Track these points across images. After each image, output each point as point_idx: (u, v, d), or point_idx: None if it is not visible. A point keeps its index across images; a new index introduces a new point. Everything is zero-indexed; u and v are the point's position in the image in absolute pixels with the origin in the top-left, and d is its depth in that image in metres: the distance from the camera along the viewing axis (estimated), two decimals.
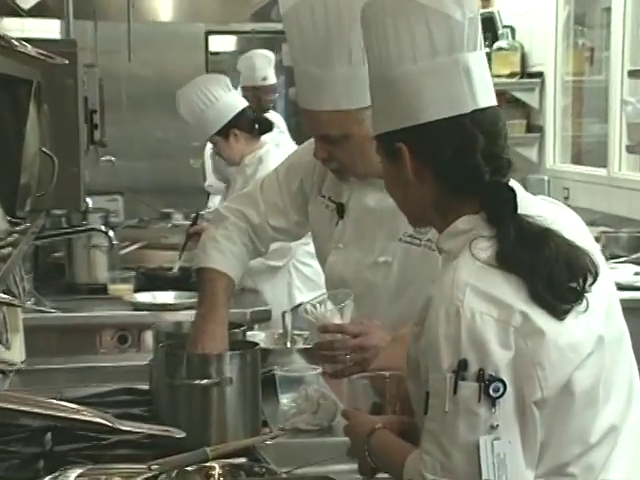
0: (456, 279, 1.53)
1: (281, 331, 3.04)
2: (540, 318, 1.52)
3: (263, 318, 3.84)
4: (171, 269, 4.28)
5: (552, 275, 1.53)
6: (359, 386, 1.93)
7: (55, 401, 1.64)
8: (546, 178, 6.12)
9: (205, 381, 2.17)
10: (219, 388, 2.18)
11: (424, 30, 1.59)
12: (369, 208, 2.35)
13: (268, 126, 4.40)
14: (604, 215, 5.21)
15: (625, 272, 4.25)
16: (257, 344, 2.34)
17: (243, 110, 4.31)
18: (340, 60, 2.15)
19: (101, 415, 1.59)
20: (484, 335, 1.49)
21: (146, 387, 2.61)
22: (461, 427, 1.50)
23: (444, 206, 1.63)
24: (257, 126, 4.33)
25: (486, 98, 1.62)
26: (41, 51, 1.69)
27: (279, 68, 8.87)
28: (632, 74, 4.97)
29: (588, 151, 6.38)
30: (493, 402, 1.49)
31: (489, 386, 1.48)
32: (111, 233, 3.43)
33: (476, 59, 1.62)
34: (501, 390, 1.49)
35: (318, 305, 2.22)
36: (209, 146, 6.03)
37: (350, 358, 2.17)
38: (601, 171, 5.56)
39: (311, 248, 4.35)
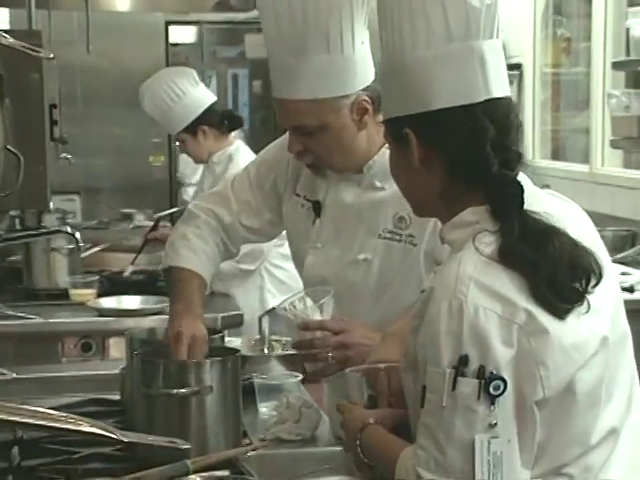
0: (460, 273, 1.55)
1: (257, 337, 3.03)
2: (544, 317, 1.54)
3: (235, 323, 3.83)
4: (142, 272, 4.27)
5: (555, 274, 1.55)
6: (353, 380, 1.95)
7: (50, 410, 1.63)
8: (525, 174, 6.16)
9: (184, 390, 2.16)
10: (199, 397, 2.17)
11: (440, 15, 1.61)
12: (347, 204, 2.36)
13: (238, 122, 4.39)
14: (587, 213, 5.24)
15: None
16: (237, 350, 2.33)
17: (212, 105, 4.29)
18: (317, 48, 2.16)
19: (101, 426, 1.57)
20: (487, 331, 1.51)
21: (117, 397, 2.60)
22: (458, 424, 1.53)
23: (449, 196, 1.66)
24: (226, 122, 4.31)
25: (500, 88, 1.63)
26: (24, 44, 1.68)
27: (242, 61, 8.88)
28: (616, 66, 5.01)
29: (568, 146, 6.44)
30: (492, 400, 1.51)
31: (489, 384, 1.51)
32: (78, 235, 3.41)
33: (492, 47, 1.64)
34: (501, 388, 1.51)
35: (297, 302, 2.22)
36: None
37: (332, 356, 2.17)
38: (583, 167, 5.61)
39: (285, 250, 4.37)
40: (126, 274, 4.27)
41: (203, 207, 2.55)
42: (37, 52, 1.77)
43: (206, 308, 2.40)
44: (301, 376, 2.63)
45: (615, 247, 4.67)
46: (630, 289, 3.96)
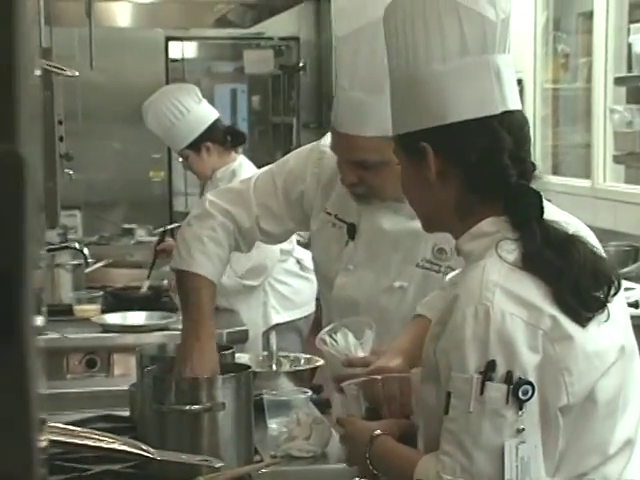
0: (485, 279, 1.56)
1: (265, 353, 3.03)
2: (568, 323, 1.56)
3: (240, 339, 3.82)
4: (140, 288, 4.26)
5: (579, 281, 1.57)
6: (351, 392, 1.95)
7: (72, 427, 1.63)
8: None
9: (196, 407, 2.16)
10: (211, 414, 2.17)
11: (456, 29, 1.63)
12: (383, 230, 2.35)
13: (241, 138, 4.39)
14: (589, 228, 5.25)
15: None
16: (249, 366, 2.33)
17: (215, 122, 4.29)
18: None
19: (134, 444, 1.57)
20: (513, 337, 1.53)
21: (126, 414, 2.60)
22: (485, 428, 1.53)
23: (465, 209, 1.66)
24: (230, 138, 4.31)
25: (514, 101, 1.66)
26: (51, 63, 1.68)
27: (240, 76, 8.91)
28: (618, 81, 5.02)
29: (568, 161, 6.45)
30: (521, 405, 1.52)
31: (518, 389, 1.52)
32: (86, 251, 3.40)
33: (506, 61, 1.67)
34: (530, 393, 1.53)
35: (339, 335, 2.20)
36: None
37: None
38: (585, 182, 5.62)
39: (288, 266, 4.39)
40: (143, 289, 4.25)
41: (220, 207, 2.47)
42: (63, 71, 1.77)
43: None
44: (310, 392, 2.63)
45: (618, 262, 4.65)
46: (635, 304, 3.95)
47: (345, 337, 2.19)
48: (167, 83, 7.59)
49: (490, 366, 1.52)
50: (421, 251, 2.27)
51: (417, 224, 2.31)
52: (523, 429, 1.53)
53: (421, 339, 1.94)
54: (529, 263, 1.58)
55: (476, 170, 1.64)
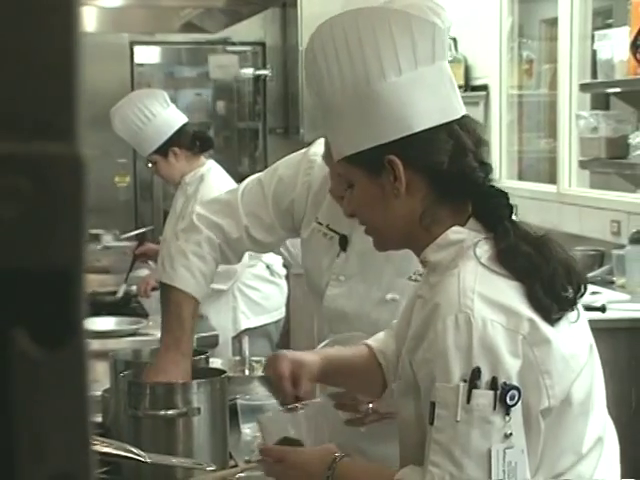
0: (462, 287, 1.57)
1: (237, 358, 3.03)
2: (544, 326, 1.58)
3: (210, 344, 3.80)
4: (113, 293, 4.24)
5: (553, 278, 1.58)
6: (267, 422, 1.92)
7: None
8: None
9: (172, 412, 2.15)
10: (186, 419, 2.17)
11: (408, 40, 1.64)
12: None
13: (209, 143, 4.39)
14: (554, 233, 5.27)
15: None
16: (223, 371, 2.33)
17: (183, 126, 4.28)
18: None
19: (123, 447, 1.56)
20: (495, 343, 1.54)
21: (98, 420, 2.58)
22: (474, 436, 1.54)
23: (430, 218, 1.67)
24: (198, 143, 4.30)
25: (463, 106, 1.70)
26: None
27: (206, 81, 8.89)
28: (583, 88, 5.07)
29: (534, 167, 6.49)
30: (507, 410, 1.54)
31: (505, 394, 1.53)
32: None
33: (449, 67, 1.70)
34: (516, 398, 1.54)
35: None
36: None
37: (372, 407, 2.12)
38: (551, 187, 5.66)
39: (258, 271, 4.38)
40: (119, 294, 4.22)
41: (208, 220, 2.46)
42: None
43: None
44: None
45: (585, 267, 4.70)
46: (602, 309, 3.99)
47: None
48: (132, 88, 7.56)
49: (475, 373, 1.53)
50: (413, 264, 2.26)
51: None
52: (511, 434, 1.54)
53: (344, 351, 1.97)
54: (505, 258, 1.59)
55: (445, 176, 1.65)
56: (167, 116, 4.27)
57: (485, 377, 1.53)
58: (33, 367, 0.38)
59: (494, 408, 1.53)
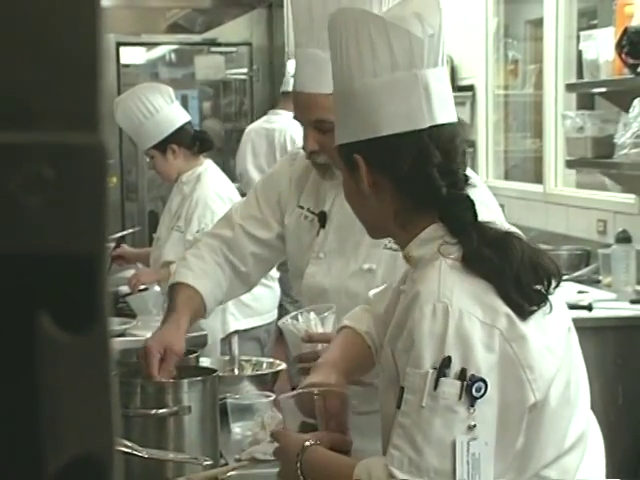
0: (442, 277, 1.60)
1: (227, 357, 3.04)
2: (519, 322, 1.59)
3: (199, 344, 3.81)
4: None
5: (519, 276, 1.61)
6: (287, 405, 1.94)
7: None
8: None
9: (162, 410, 2.16)
10: (177, 417, 2.17)
11: (385, 45, 1.67)
12: (353, 215, 2.38)
13: (208, 145, 4.37)
14: (541, 232, 5.32)
15: (568, 291, 4.35)
16: (214, 370, 2.34)
17: (184, 125, 4.26)
18: None
19: (120, 442, 1.57)
20: (470, 335, 1.56)
21: None
22: (437, 423, 1.56)
23: (402, 218, 1.71)
24: (198, 143, 4.28)
25: (444, 114, 1.71)
26: None
27: (192, 82, 8.90)
28: (569, 88, 5.10)
29: (520, 167, 6.53)
30: (473, 402, 1.56)
31: (472, 385, 1.55)
32: None
33: (436, 75, 1.70)
34: (482, 390, 1.56)
35: (299, 316, 2.22)
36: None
37: None
38: (537, 187, 5.69)
39: None
40: None
41: (207, 233, 2.65)
42: None
43: None
44: (273, 396, 2.64)
45: (570, 266, 4.73)
46: (589, 307, 4.01)
47: (306, 317, 2.21)
48: (118, 88, 7.56)
49: (445, 362, 1.55)
50: None
51: None
52: (474, 426, 1.56)
53: (349, 351, 1.97)
54: (469, 263, 1.62)
55: (406, 182, 1.68)
56: (170, 112, 4.24)
57: (455, 367, 1.55)
58: (57, 351, 0.40)
59: (459, 398, 1.55)
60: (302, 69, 2.29)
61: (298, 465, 1.76)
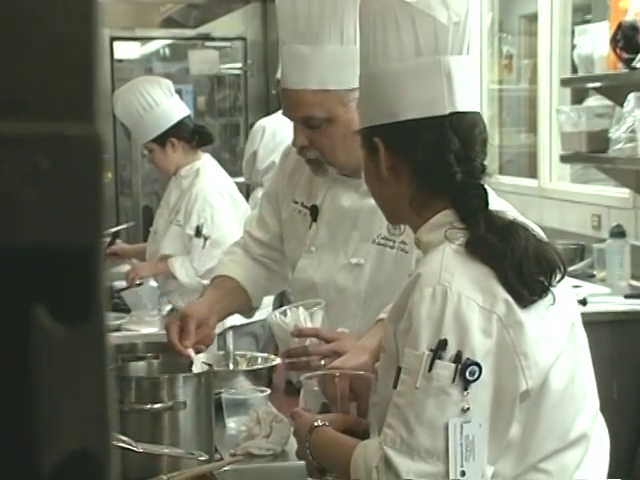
0: (444, 261, 1.61)
1: (221, 352, 3.04)
2: (519, 309, 1.60)
3: None
4: None
5: (521, 264, 1.61)
6: (308, 386, 1.96)
7: None
8: None
9: (157, 405, 2.16)
10: (172, 412, 2.17)
11: (410, 30, 1.69)
12: (344, 209, 2.39)
13: (208, 139, 4.36)
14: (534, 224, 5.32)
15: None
16: (210, 365, 2.34)
17: (184, 119, 4.25)
18: (331, 38, 2.21)
19: (116, 437, 1.57)
20: (468, 319, 1.57)
21: None
22: (430, 405, 1.57)
23: (419, 202, 1.72)
24: (197, 137, 4.27)
25: (466, 102, 1.71)
26: None
27: (186, 77, 8.88)
28: (564, 82, 5.09)
29: (515, 161, 6.53)
30: (466, 385, 1.57)
31: (466, 369, 1.56)
32: None
33: (459, 63, 1.71)
34: (477, 374, 1.57)
35: (288, 311, 2.22)
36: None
37: (324, 363, 2.16)
38: (532, 182, 5.69)
39: None
40: None
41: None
42: None
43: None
44: (268, 391, 2.64)
45: (566, 260, 4.72)
46: (583, 302, 4.02)
47: (294, 312, 2.22)
48: (112, 83, 7.55)
49: (441, 345, 1.57)
50: (376, 227, 2.30)
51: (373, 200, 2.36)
52: (468, 408, 1.57)
53: None
54: (473, 247, 1.63)
55: (423, 167, 1.70)
56: (169, 106, 4.23)
57: (451, 350, 1.57)
58: (53, 344, 0.40)
59: (453, 381, 1.56)
60: (287, 66, 2.29)
61: (307, 445, 1.78)
